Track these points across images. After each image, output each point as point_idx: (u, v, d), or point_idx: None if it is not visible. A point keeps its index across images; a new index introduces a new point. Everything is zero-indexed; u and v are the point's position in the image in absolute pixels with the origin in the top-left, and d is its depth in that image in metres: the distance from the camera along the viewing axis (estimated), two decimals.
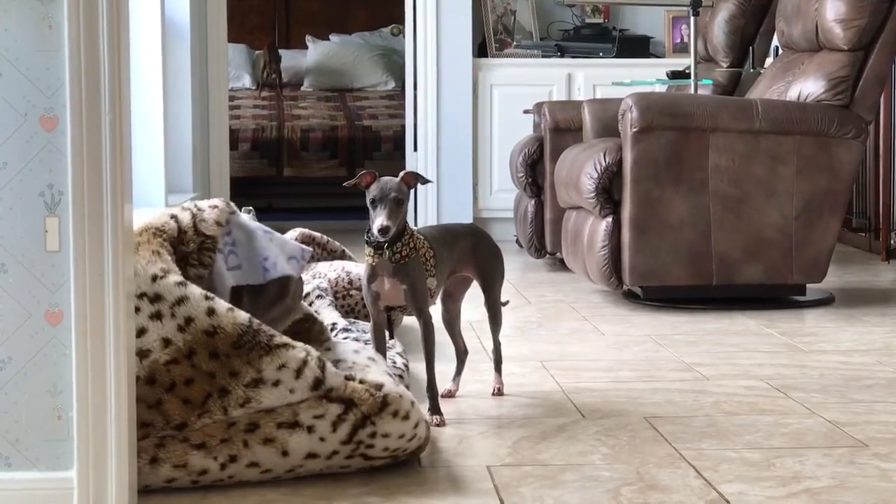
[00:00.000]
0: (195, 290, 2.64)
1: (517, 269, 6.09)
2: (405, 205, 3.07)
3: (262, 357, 2.62)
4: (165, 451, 2.57)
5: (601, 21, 7.83)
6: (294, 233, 4.54)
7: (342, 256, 4.58)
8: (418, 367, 3.50)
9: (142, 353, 2.59)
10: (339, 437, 2.63)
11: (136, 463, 2.52)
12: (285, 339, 2.67)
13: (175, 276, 2.65)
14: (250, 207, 4.23)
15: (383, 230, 3.01)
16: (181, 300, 2.62)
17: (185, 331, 2.60)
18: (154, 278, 2.62)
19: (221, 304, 2.65)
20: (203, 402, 2.59)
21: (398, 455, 2.71)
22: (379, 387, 2.67)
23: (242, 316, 2.65)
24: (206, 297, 2.64)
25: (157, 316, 2.60)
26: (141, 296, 2.59)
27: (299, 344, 2.68)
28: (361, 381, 2.67)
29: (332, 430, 2.62)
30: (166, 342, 2.60)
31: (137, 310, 2.58)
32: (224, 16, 7.44)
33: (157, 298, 2.61)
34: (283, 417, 2.60)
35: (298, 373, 2.62)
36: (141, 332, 2.58)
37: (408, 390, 2.85)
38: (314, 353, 2.67)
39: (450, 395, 3.41)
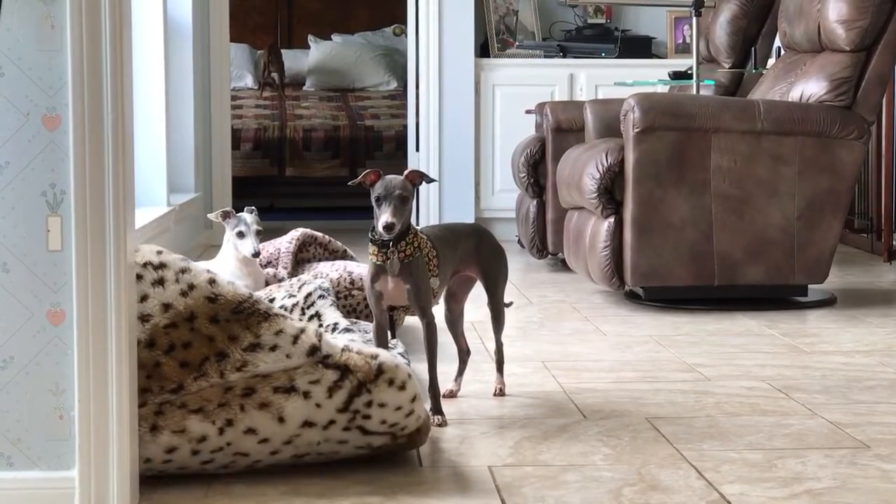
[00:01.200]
0: (196, 265, 2.71)
1: (519, 270, 6.09)
2: (410, 203, 3.07)
3: (261, 323, 2.66)
4: (164, 419, 2.58)
5: (603, 21, 7.82)
6: (296, 233, 4.54)
7: (344, 256, 4.58)
8: (420, 368, 3.50)
9: (143, 318, 2.61)
10: (335, 405, 2.65)
11: (137, 463, 2.52)
12: (283, 312, 2.69)
13: (179, 255, 2.70)
14: (252, 207, 4.24)
15: (388, 227, 3.01)
16: (184, 270, 2.67)
17: (187, 295, 2.64)
18: (159, 252, 2.68)
19: (221, 278, 2.71)
20: (200, 364, 2.61)
21: (396, 433, 2.72)
22: (374, 356, 2.71)
23: (242, 289, 2.70)
24: (207, 271, 2.70)
25: (159, 282, 2.64)
26: (145, 265, 2.63)
27: (296, 318, 2.72)
28: (358, 353, 2.70)
29: (328, 396, 2.64)
30: (166, 307, 2.63)
31: (140, 277, 2.61)
32: (226, 15, 7.44)
33: (161, 266, 2.65)
34: (279, 382, 2.63)
35: (295, 339, 2.66)
36: (143, 298, 2.62)
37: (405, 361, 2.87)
38: (312, 326, 2.71)
39: (451, 395, 3.41)
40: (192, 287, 2.65)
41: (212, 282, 2.67)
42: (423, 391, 3.21)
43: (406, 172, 3.09)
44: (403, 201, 3.03)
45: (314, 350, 2.66)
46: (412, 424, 2.73)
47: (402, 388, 2.70)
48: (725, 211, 4.85)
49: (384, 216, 3.01)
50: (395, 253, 3.07)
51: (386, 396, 2.68)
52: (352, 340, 3.04)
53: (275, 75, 10.33)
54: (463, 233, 3.34)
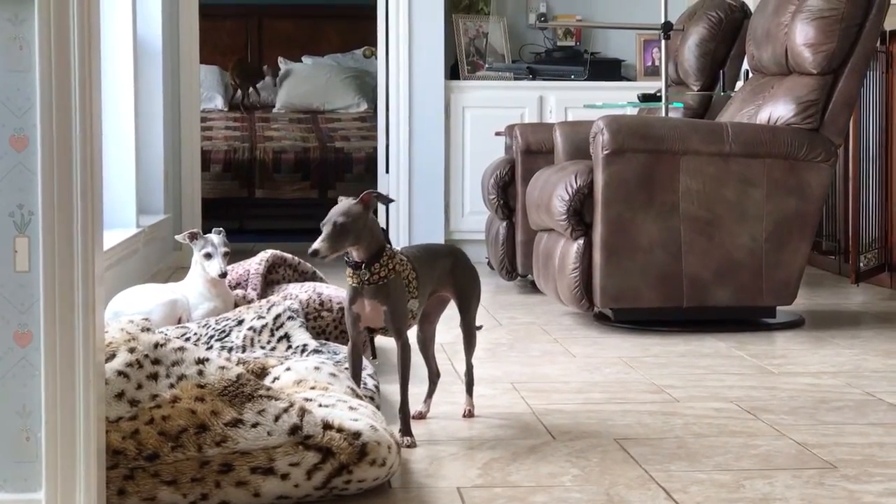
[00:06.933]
0: (190, 356, 2.73)
1: (488, 291, 6.09)
2: (351, 228, 3.01)
3: (244, 403, 2.66)
4: (134, 484, 2.56)
5: (573, 44, 7.86)
6: (265, 254, 4.54)
7: (313, 278, 4.58)
8: (389, 389, 3.50)
9: (132, 402, 2.65)
10: (313, 484, 2.63)
11: (105, 485, 2.51)
12: (271, 392, 2.68)
13: (173, 344, 2.75)
14: (221, 228, 4.23)
15: (312, 253, 3.00)
16: (176, 363, 2.72)
17: (175, 386, 2.69)
18: (156, 346, 2.73)
19: (212, 367, 2.72)
20: (177, 435, 2.59)
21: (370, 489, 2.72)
22: (357, 435, 2.66)
23: (230, 374, 2.71)
24: (198, 362, 2.73)
25: (153, 377, 2.69)
26: (146, 356, 2.71)
27: (284, 396, 2.70)
28: (339, 430, 2.66)
29: (306, 479, 2.62)
30: (155, 396, 2.67)
31: (140, 366, 2.69)
32: (196, 37, 7.43)
33: (156, 362, 2.72)
34: (258, 461, 2.60)
35: (277, 417, 2.64)
36: (138, 387, 2.67)
37: (382, 419, 2.84)
38: (297, 405, 2.67)
39: (421, 416, 3.41)
40: (181, 378, 2.69)
41: (200, 373, 2.70)
42: (392, 415, 3.21)
43: (362, 195, 3.07)
44: (337, 227, 2.98)
45: (295, 429, 2.63)
46: (386, 480, 2.74)
47: (383, 464, 2.68)
48: (694, 233, 4.87)
49: (315, 244, 3.00)
50: (368, 275, 3.07)
51: (367, 474, 2.66)
52: (316, 369, 3.03)
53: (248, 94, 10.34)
54: (440, 253, 3.34)
